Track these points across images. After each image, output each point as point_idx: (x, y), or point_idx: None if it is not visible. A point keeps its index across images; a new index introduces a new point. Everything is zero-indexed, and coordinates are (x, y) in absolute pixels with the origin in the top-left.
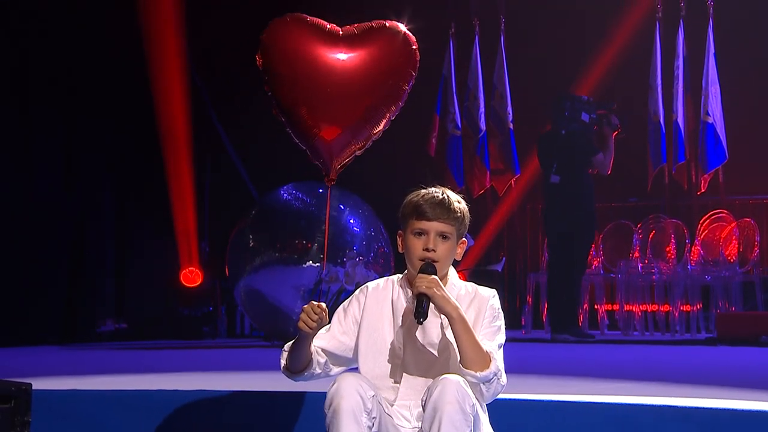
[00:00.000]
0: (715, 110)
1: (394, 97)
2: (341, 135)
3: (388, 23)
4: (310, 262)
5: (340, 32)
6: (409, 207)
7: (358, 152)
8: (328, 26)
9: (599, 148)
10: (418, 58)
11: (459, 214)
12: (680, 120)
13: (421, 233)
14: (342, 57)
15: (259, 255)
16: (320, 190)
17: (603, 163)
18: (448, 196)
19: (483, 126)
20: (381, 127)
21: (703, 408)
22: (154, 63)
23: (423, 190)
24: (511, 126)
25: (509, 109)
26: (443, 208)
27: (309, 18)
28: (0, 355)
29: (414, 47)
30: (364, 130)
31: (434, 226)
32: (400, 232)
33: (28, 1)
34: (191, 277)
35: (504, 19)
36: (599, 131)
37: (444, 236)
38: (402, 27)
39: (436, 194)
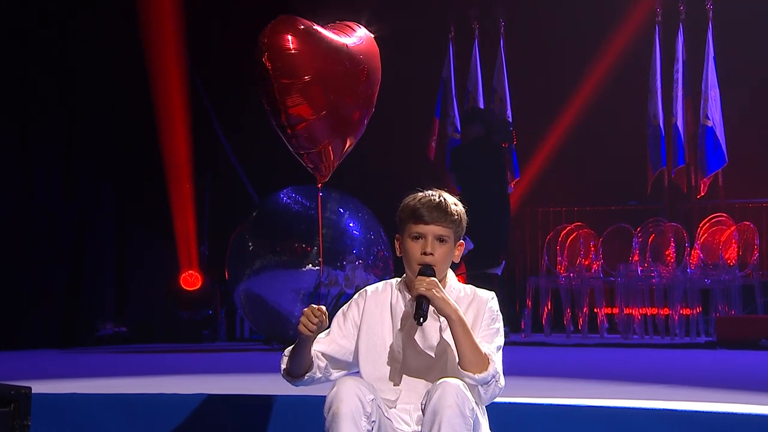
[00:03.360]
0: (714, 114)
1: (371, 100)
2: (346, 137)
3: (363, 27)
4: (310, 265)
5: (349, 39)
6: (406, 211)
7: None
8: (332, 31)
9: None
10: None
11: (456, 217)
12: (680, 123)
13: (418, 237)
14: (346, 61)
15: (259, 258)
16: (320, 194)
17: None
18: (444, 199)
19: None
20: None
21: (703, 411)
22: (154, 66)
23: (420, 194)
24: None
25: (509, 112)
26: (440, 211)
27: (311, 23)
28: (0, 359)
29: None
30: (359, 130)
31: (432, 229)
32: (397, 236)
33: (26, 11)
34: (191, 280)
35: (504, 22)
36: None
37: (442, 239)
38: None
39: (432, 197)
